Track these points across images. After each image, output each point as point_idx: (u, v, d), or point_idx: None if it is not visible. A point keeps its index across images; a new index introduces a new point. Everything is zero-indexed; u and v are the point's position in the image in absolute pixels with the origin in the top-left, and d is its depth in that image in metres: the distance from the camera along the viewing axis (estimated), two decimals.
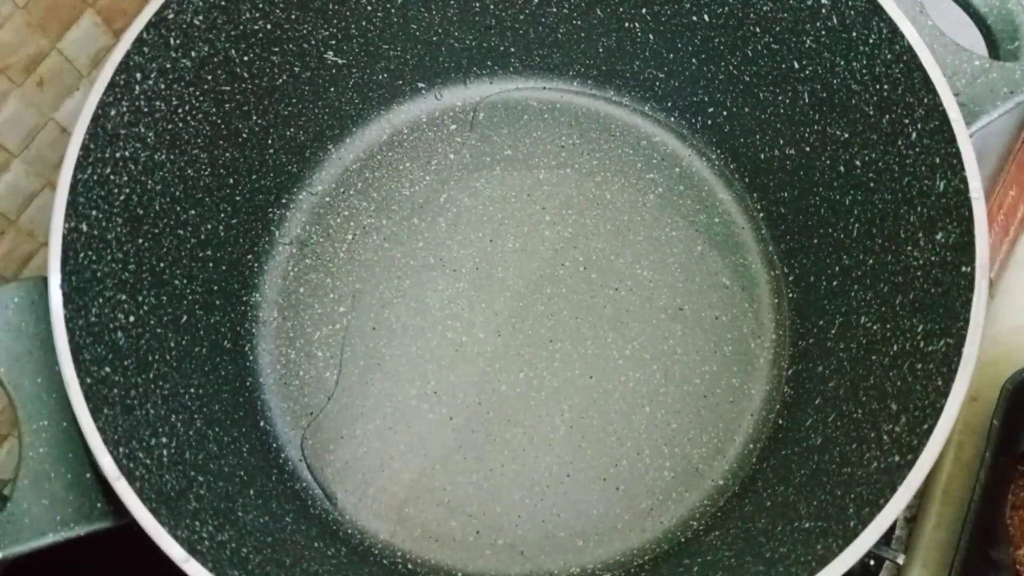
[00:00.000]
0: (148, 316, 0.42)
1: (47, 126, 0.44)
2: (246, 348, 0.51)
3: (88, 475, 0.37)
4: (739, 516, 0.45)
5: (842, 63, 0.42)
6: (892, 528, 0.49)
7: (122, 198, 0.41)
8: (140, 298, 0.41)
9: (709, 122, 0.53)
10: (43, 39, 0.42)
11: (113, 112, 0.40)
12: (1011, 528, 0.44)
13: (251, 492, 0.43)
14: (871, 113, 0.42)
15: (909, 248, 0.40)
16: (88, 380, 0.35)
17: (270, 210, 0.53)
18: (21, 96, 0.42)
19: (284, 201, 0.53)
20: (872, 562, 0.47)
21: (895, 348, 0.39)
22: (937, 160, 0.38)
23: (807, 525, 0.37)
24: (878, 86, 0.41)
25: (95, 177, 0.39)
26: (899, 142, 0.40)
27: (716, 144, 0.54)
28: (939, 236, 0.38)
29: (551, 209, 0.54)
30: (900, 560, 0.46)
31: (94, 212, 0.39)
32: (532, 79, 0.56)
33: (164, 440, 0.38)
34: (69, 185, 0.38)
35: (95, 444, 0.34)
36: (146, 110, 0.42)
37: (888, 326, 0.40)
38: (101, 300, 0.39)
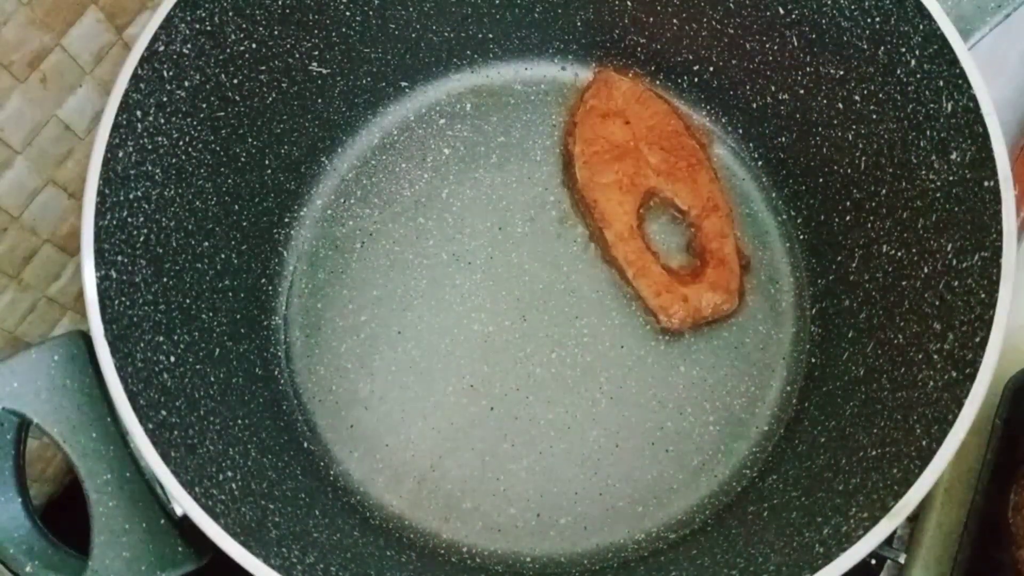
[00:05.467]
0: (186, 354, 0.41)
1: (50, 123, 0.43)
2: (275, 372, 0.50)
3: (162, 521, 0.36)
4: (793, 457, 0.45)
5: (829, 1, 0.43)
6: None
7: (142, 239, 0.40)
8: (176, 337, 0.41)
9: (696, 79, 0.53)
10: (46, 35, 0.41)
11: (121, 153, 0.39)
12: (1013, 528, 0.44)
13: (317, 512, 0.42)
14: (865, 47, 0.43)
15: (924, 172, 0.41)
16: (150, 425, 0.35)
17: (275, 231, 0.52)
18: (24, 93, 0.41)
19: (287, 220, 0.53)
20: (873, 561, 0.48)
21: (925, 270, 0.40)
22: (941, 83, 0.39)
23: (874, 453, 0.38)
24: (869, 19, 0.42)
25: (115, 222, 0.38)
26: (898, 71, 0.41)
27: (705, 100, 0.54)
28: (954, 156, 0.39)
29: (553, 188, 0.54)
30: (901, 559, 0.46)
31: (119, 257, 0.38)
32: (513, 62, 0.56)
33: (230, 474, 0.38)
34: (93, 233, 0.37)
35: (172, 487, 0.34)
36: (150, 147, 0.41)
37: (914, 251, 0.41)
38: (143, 344, 0.38)
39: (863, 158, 0.45)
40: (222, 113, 0.45)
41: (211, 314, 0.45)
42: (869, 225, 0.45)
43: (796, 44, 0.46)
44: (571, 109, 0.55)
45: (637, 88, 0.54)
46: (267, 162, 0.50)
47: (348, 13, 0.49)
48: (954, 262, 0.38)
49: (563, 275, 0.52)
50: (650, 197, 0.52)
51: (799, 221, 0.52)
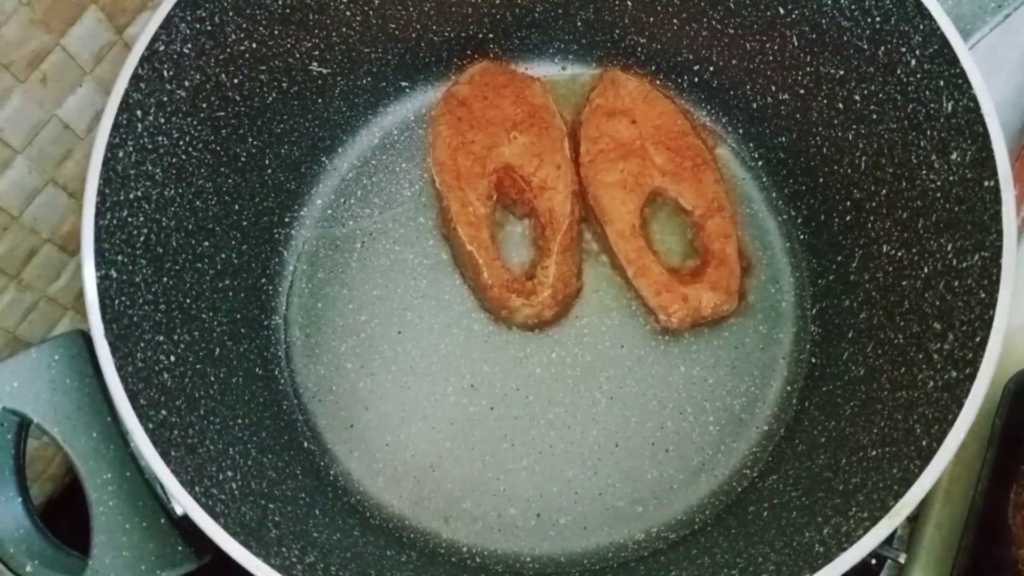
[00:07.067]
0: (186, 354, 0.41)
1: (50, 122, 0.43)
2: (275, 372, 0.50)
3: (162, 520, 0.37)
4: (793, 457, 0.45)
5: (829, 1, 0.43)
6: None
7: (142, 239, 0.40)
8: (176, 337, 0.41)
9: (696, 79, 0.53)
10: (46, 35, 0.41)
11: (121, 153, 0.39)
12: (1014, 528, 0.44)
13: (317, 512, 0.42)
14: (865, 47, 0.43)
15: (924, 172, 0.41)
16: (150, 425, 0.35)
17: (275, 231, 0.52)
18: (25, 92, 0.41)
19: (288, 220, 0.53)
20: (874, 561, 0.48)
21: (926, 270, 0.40)
22: (941, 83, 0.39)
23: (874, 453, 0.38)
24: (869, 19, 0.42)
25: (115, 222, 0.39)
26: (898, 71, 0.41)
27: (706, 100, 0.54)
28: (954, 156, 0.39)
29: None
30: (901, 559, 0.46)
31: (120, 257, 0.38)
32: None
33: (230, 474, 0.38)
34: (93, 233, 0.37)
35: (173, 487, 0.34)
36: (150, 147, 0.41)
37: (914, 250, 0.41)
38: (143, 344, 0.38)
39: (863, 158, 0.45)
40: (222, 113, 0.45)
41: (211, 314, 0.45)
42: (869, 225, 0.45)
43: (796, 44, 0.46)
44: (575, 108, 0.55)
45: (644, 87, 0.54)
46: (267, 162, 0.50)
47: (348, 13, 0.49)
48: (954, 262, 0.38)
49: None
50: (654, 197, 0.52)
51: (799, 221, 0.52)
